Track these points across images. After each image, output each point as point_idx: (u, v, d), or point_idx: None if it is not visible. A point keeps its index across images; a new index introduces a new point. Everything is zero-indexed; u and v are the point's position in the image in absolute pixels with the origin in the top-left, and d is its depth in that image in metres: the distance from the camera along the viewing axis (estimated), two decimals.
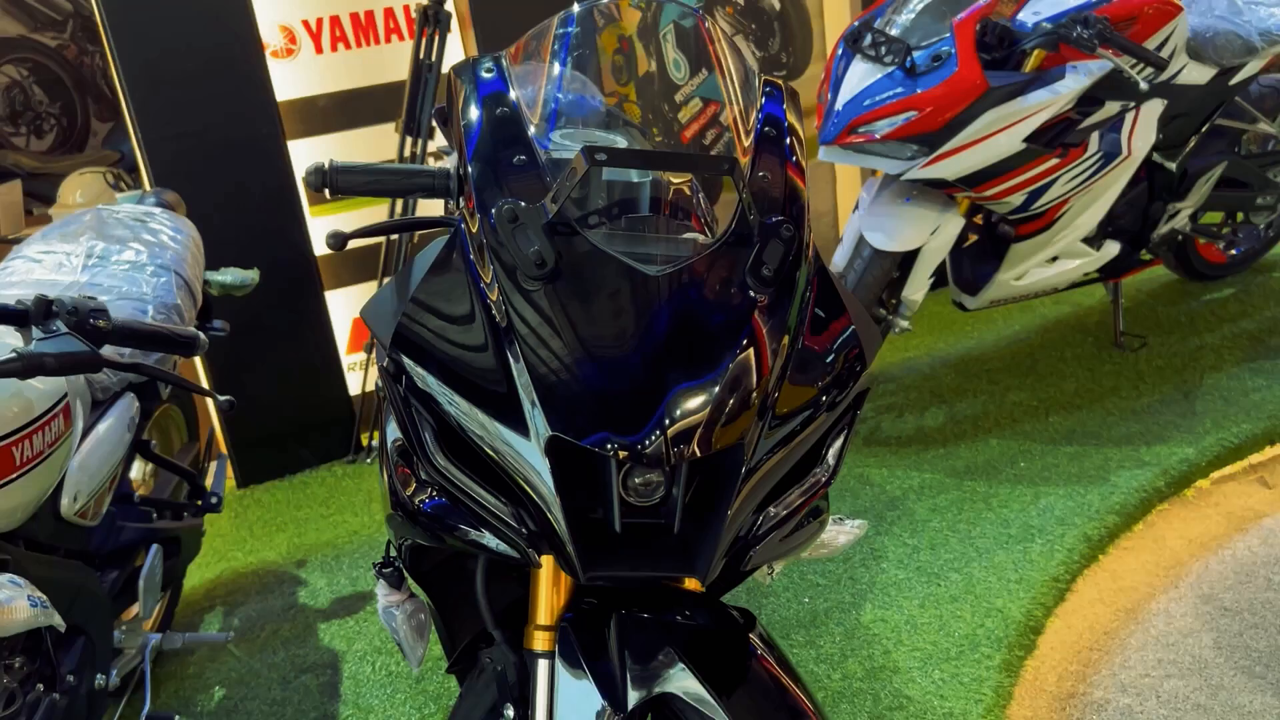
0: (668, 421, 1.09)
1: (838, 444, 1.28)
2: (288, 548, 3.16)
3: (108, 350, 1.69)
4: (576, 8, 1.50)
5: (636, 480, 1.16)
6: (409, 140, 3.41)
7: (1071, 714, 2.24)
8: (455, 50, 3.56)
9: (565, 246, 1.18)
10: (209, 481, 2.48)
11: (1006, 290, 3.38)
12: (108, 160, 6.46)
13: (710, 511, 1.17)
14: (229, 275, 2.57)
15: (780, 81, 1.47)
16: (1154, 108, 3.18)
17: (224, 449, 3.52)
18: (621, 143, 1.55)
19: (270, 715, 2.39)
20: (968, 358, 3.86)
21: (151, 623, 2.52)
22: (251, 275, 2.61)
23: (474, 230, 1.22)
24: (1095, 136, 3.06)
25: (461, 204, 1.27)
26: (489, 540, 1.20)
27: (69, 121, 6.86)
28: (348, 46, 3.45)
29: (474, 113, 1.31)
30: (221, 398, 1.65)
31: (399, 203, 3.44)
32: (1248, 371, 3.42)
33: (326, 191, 1.32)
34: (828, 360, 1.24)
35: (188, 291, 2.23)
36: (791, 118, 1.41)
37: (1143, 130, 3.16)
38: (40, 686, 1.74)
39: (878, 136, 2.91)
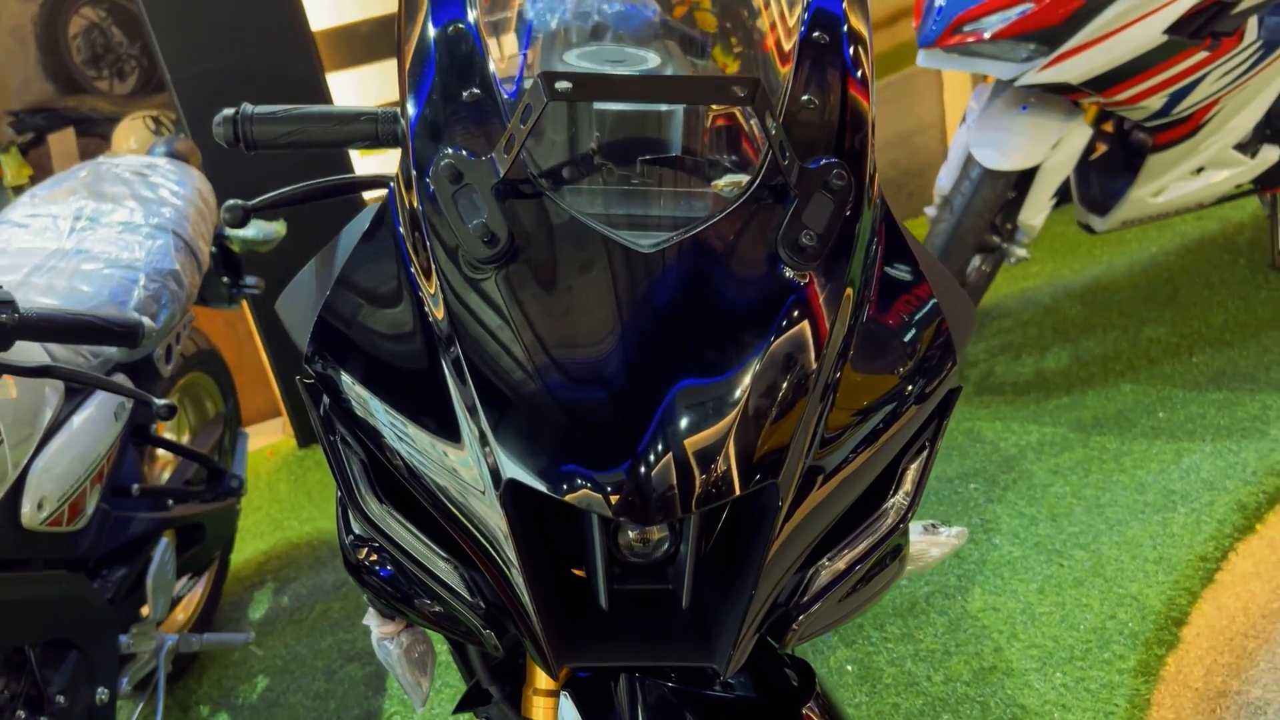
0: (671, 457, 0.76)
1: (918, 462, 0.94)
2: None
3: (23, 348, 1.44)
4: None
5: (631, 535, 0.85)
6: None
7: (1223, 717, 1.89)
8: None
9: (525, 214, 0.86)
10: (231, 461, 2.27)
11: (1142, 208, 2.95)
12: None
13: (737, 568, 0.85)
14: (251, 229, 2.33)
15: None
16: None
17: (281, 410, 3.34)
18: (654, 59, 1.20)
19: (312, 709, 2.21)
20: (1095, 286, 3.42)
21: (190, 617, 2.35)
22: (276, 228, 2.36)
23: (406, 196, 0.90)
24: (1253, 22, 2.59)
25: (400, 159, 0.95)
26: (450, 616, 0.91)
27: (149, 61, 6.75)
28: None
29: (420, 35, 0.99)
30: (160, 402, 1.40)
31: None
32: None
33: (241, 147, 1.02)
34: (900, 355, 0.89)
35: (189, 254, 1.99)
36: (853, 16, 1.04)
37: None
38: (23, 714, 1.56)
39: (987, 35, 2.52)
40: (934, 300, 0.93)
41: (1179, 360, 2.89)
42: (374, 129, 1.04)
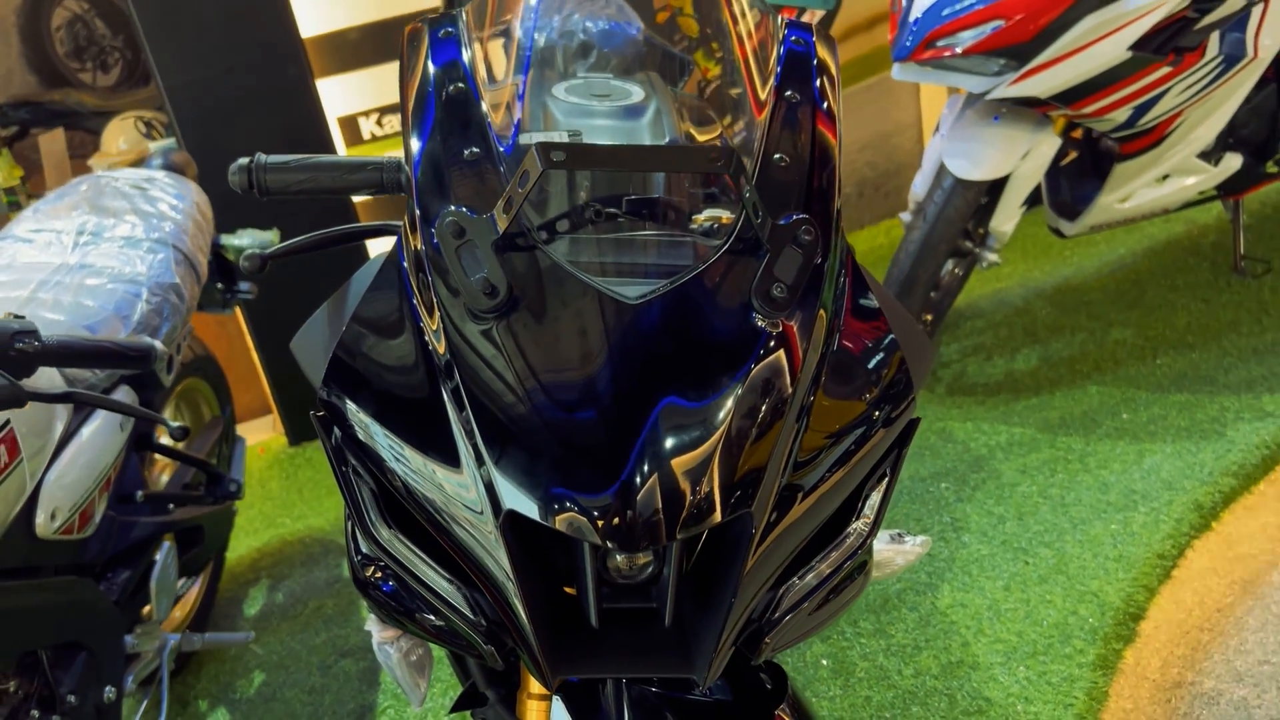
0: (655, 491, 0.84)
1: (877, 493, 1.03)
2: (336, 513, 3.04)
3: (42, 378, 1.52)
4: None
5: (619, 559, 0.93)
6: None
7: (1177, 707, 1.99)
8: None
9: (523, 265, 0.94)
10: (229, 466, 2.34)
11: (1110, 214, 3.04)
12: None
13: (714, 587, 0.94)
14: (245, 238, 2.39)
15: (814, 30, 1.18)
16: None
17: (272, 408, 3.41)
18: (638, 93, 1.28)
19: (308, 704, 2.29)
20: (1065, 287, 3.51)
21: (184, 618, 2.42)
22: (270, 237, 2.42)
23: (414, 247, 0.98)
24: (1215, 37, 2.67)
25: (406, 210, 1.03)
26: (451, 631, 0.99)
27: (133, 54, 6.75)
28: None
29: (423, 94, 1.06)
30: (174, 424, 1.47)
31: None
32: None
33: (255, 193, 1.10)
34: (862, 391, 0.98)
35: (189, 266, 2.05)
36: (822, 51, 1.13)
37: (1273, 26, 2.74)
38: (36, 713, 1.63)
39: (959, 51, 2.58)
40: (892, 337, 1.02)
41: (1143, 362, 2.99)
42: (379, 178, 1.12)
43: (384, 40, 3.26)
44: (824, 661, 2.12)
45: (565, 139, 1.09)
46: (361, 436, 0.96)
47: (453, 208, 0.95)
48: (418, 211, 0.97)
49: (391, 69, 3.28)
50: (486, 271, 0.91)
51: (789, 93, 1.08)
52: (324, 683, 2.35)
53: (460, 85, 1.06)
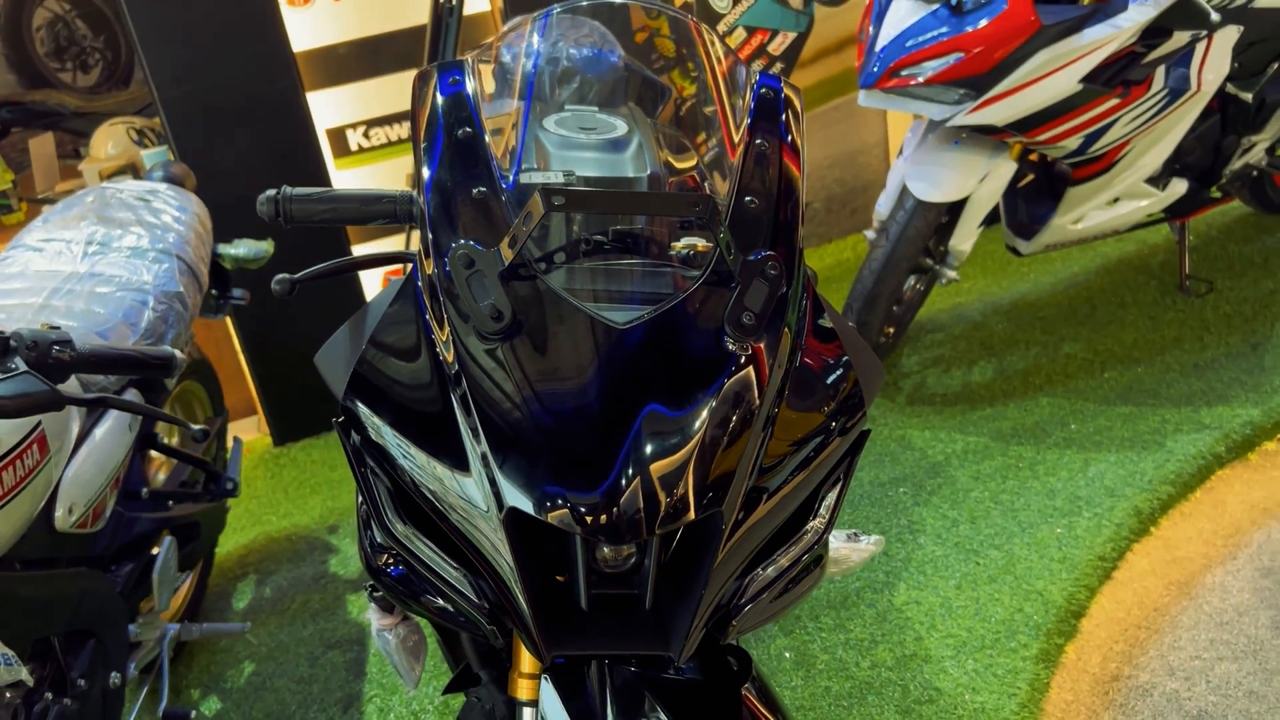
0: (638, 487, 0.98)
1: (832, 495, 1.17)
2: (321, 511, 3.15)
3: (72, 384, 1.64)
4: (556, 8, 1.36)
5: (606, 551, 1.07)
6: None
7: (1114, 699, 2.15)
8: None
9: (525, 293, 1.07)
10: (226, 465, 2.45)
11: (1063, 234, 3.20)
12: (150, 98, 6.42)
13: (689, 576, 1.07)
14: (242, 248, 2.51)
15: (781, 79, 1.32)
16: (1228, 36, 2.92)
17: (257, 410, 3.51)
18: (621, 127, 1.42)
19: (297, 693, 2.40)
20: (1021, 303, 3.67)
21: (177, 609, 2.53)
22: (265, 247, 2.54)
23: (428, 274, 1.11)
24: (1160, 71, 2.84)
25: (419, 240, 1.16)
26: (455, 611, 1.12)
27: (113, 55, 6.80)
28: None
29: (434, 135, 1.19)
30: (195, 427, 1.59)
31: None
32: None
33: (281, 221, 1.23)
34: (820, 403, 1.12)
35: (191, 276, 2.16)
36: (791, 106, 1.27)
37: (1215, 61, 2.91)
38: (49, 695, 1.74)
39: (921, 80, 2.73)
40: (847, 358, 1.16)
41: (1092, 376, 3.16)
42: (393, 209, 1.25)
43: (372, 55, 3.37)
44: (787, 654, 2.26)
45: (561, 178, 1.22)
46: (379, 440, 1.09)
47: (463, 241, 1.08)
48: (432, 245, 1.11)
49: (378, 83, 3.40)
50: (493, 298, 1.04)
51: (759, 140, 1.22)
52: (312, 673, 2.46)
53: (468, 130, 1.19)
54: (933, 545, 2.53)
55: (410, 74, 3.40)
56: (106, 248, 2.11)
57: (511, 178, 1.21)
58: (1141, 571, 2.47)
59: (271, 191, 1.22)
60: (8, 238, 3.62)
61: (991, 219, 3.12)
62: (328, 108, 3.33)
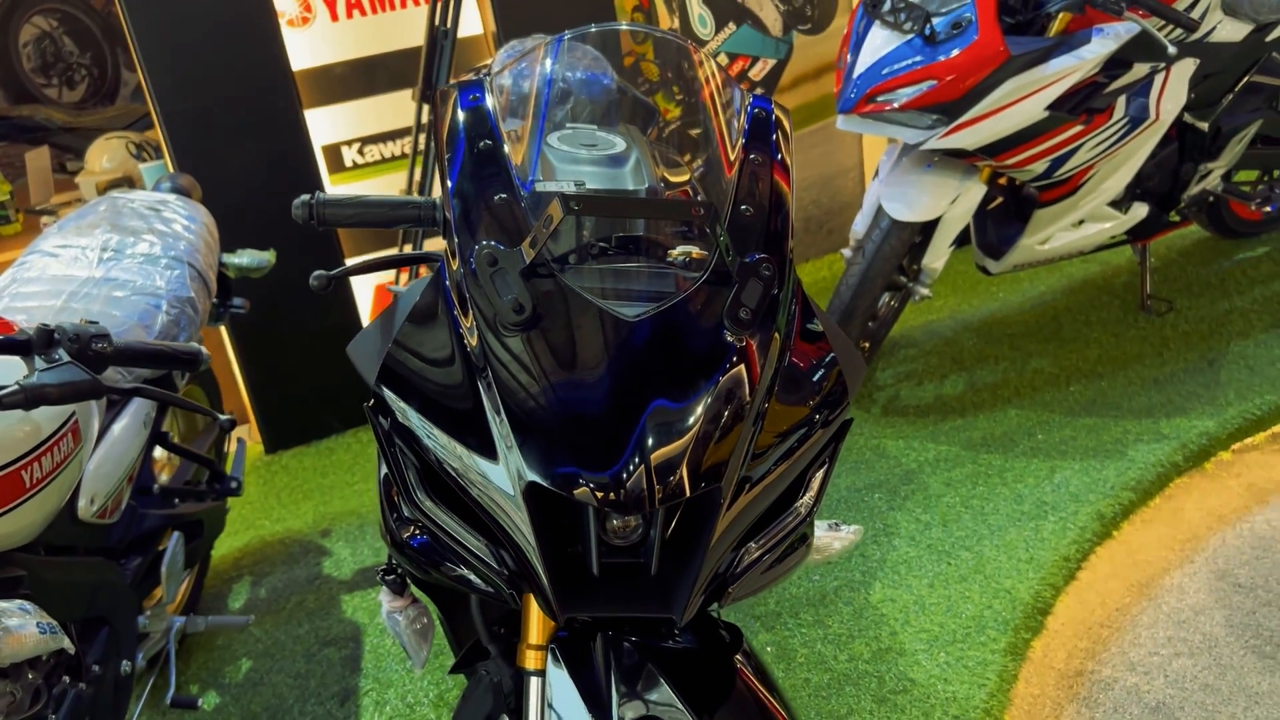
0: (645, 467, 1.09)
1: (819, 476, 1.29)
2: (313, 516, 3.23)
3: (109, 372, 1.73)
4: (568, 34, 1.48)
5: (615, 523, 1.17)
6: (426, 108, 3.40)
7: (1078, 692, 2.26)
8: (471, 15, 3.52)
9: (543, 289, 1.18)
10: (230, 465, 2.54)
11: (1031, 255, 3.34)
12: (137, 113, 6.49)
13: (690, 548, 1.18)
14: (245, 258, 2.60)
15: (772, 101, 1.44)
16: (1185, 68, 3.08)
17: (250, 418, 3.58)
18: (620, 144, 1.54)
19: (295, 688, 2.48)
20: (991, 320, 3.82)
21: (177, 604, 2.60)
22: (267, 257, 2.64)
23: (454, 272, 1.22)
24: (1122, 100, 2.98)
25: (444, 241, 1.27)
26: (473, 578, 1.22)
27: (99, 72, 6.87)
28: (363, 13, 3.42)
29: (456, 146, 1.31)
30: (223, 416, 1.69)
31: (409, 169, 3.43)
32: (1276, 338, 3.36)
33: (314, 224, 1.33)
34: (808, 394, 1.24)
35: (201, 282, 2.26)
36: (781, 127, 1.39)
37: (1173, 92, 3.06)
38: (66, 679, 1.82)
39: (896, 106, 2.86)
40: (833, 354, 1.28)
41: (1058, 389, 3.30)
42: (417, 214, 1.36)
43: (367, 75, 3.48)
44: (768, 649, 2.37)
45: (573, 188, 1.34)
46: (406, 423, 1.20)
47: (486, 241, 1.19)
48: (458, 245, 1.22)
49: (373, 102, 3.51)
50: (515, 293, 1.15)
51: (753, 155, 1.34)
52: (309, 669, 2.54)
53: (489, 142, 1.30)
54: (906, 547, 2.65)
55: (404, 94, 3.52)
56: (120, 254, 2.20)
57: (527, 185, 1.32)
58: (1104, 574, 2.59)
59: (305, 196, 1.33)
60: (5, 248, 3.71)
61: (962, 240, 3.25)
62: (324, 125, 3.44)
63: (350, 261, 1.33)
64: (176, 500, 2.28)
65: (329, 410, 3.67)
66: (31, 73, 6.70)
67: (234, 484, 2.44)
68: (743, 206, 1.28)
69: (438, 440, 1.18)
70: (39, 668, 1.77)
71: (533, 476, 1.10)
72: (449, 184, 1.27)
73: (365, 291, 3.65)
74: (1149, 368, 3.32)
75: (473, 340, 1.17)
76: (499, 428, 1.13)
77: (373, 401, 1.23)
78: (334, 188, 3.50)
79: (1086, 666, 2.33)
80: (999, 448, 3.02)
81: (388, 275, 3.67)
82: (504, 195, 1.25)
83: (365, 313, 3.67)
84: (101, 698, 1.87)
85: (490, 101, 1.36)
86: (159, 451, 2.50)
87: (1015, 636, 2.33)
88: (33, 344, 1.39)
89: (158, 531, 2.16)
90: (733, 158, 1.38)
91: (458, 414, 1.17)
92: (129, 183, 3.84)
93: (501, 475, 1.13)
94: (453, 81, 1.44)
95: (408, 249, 3.51)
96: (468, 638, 1.64)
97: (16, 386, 1.34)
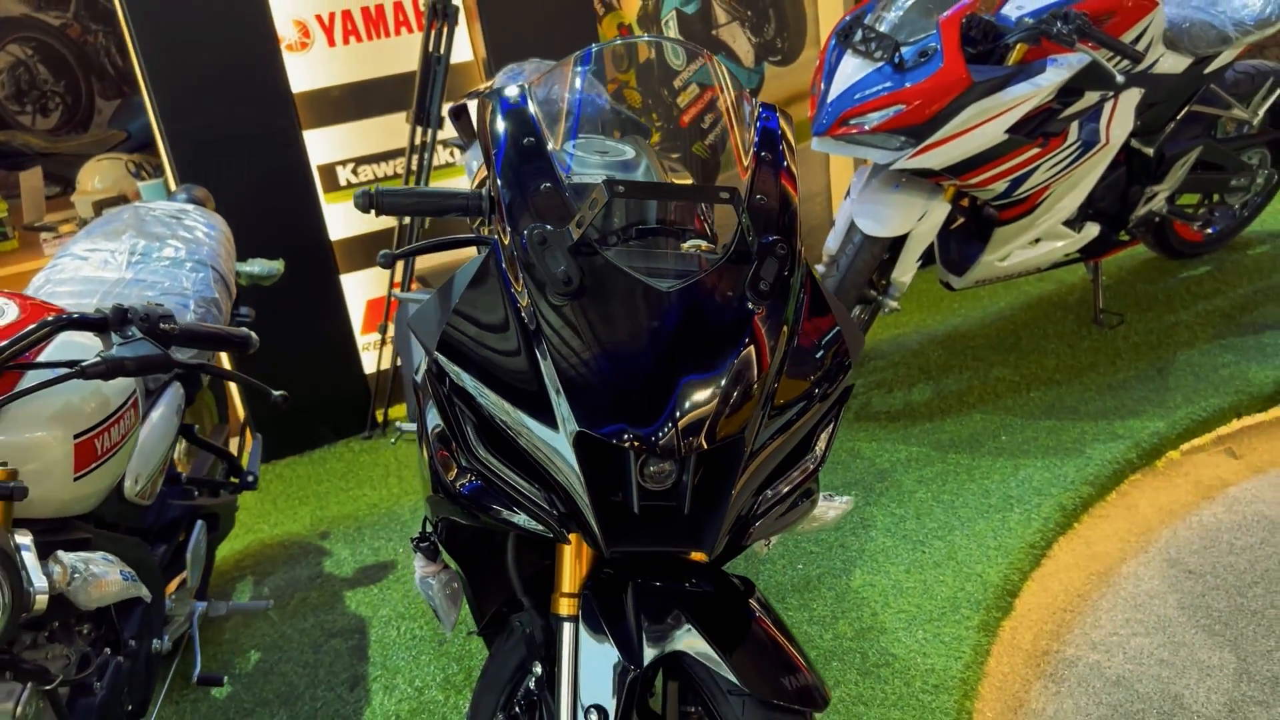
0: (679, 416, 1.26)
1: (827, 433, 1.46)
2: (310, 520, 3.34)
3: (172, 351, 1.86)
4: (594, 47, 1.66)
5: (652, 468, 1.33)
6: (419, 130, 3.56)
7: (1045, 669, 2.43)
8: (463, 42, 3.70)
9: (588, 264, 1.34)
10: (245, 460, 2.65)
11: (991, 271, 3.53)
12: (114, 140, 6.57)
13: (716, 494, 1.34)
14: (257, 266, 2.73)
15: (776, 106, 1.63)
16: (1131, 96, 3.32)
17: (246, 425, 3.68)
18: (630, 152, 1.71)
19: (304, 676, 2.58)
20: (954, 334, 4.03)
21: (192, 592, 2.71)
22: (277, 265, 2.77)
23: (508, 250, 1.38)
24: (1075, 125, 3.21)
25: (495, 225, 1.43)
26: (521, 519, 1.37)
27: (74, 100, 6.94)
28: (359, 39, 3.58)
29: (504, 142, 1.47)
30: (276, 393, 1.83)
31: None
32: (1218, 348, 3.59)
33: (373, 212, 1.49)
34: (817, 359, 1.41)
35: (223, 285, 2.39)
36: (786, 139, 1.57)
37: (1121, 118, 3.30)
38: (108, 650, 1.92)
39: (867, 128, 3.05)
40: (838, 329, 1.46)
41: (1019, 395, 3.51)
42: (465, 204, 1.52)
43: (362, 98, 3.64)
44: None
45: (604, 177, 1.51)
46: (462, 385, 1.35)
47: (536, 224, 1.36)
48: (510, 228, 1.38)
49: (367, 124, 3.66)
50: (564, 267, 1.32)
51: (764, 154, 1.52)
52: (317, 659, 2.64)
53: (532, 139, 1.47)
54: (883, 538, 2.83)
55: (397, 116, 3.67)
56: (148, 258, 2.33)
57: (565, 176, 1.50)
58: (1065, 564, 2.78)
59: (368, 187, 1.48)
60: (3, 264, 3.79)
61: (927, 259, 3.43)
62: (320, 145, 3.58)
63: (412, 245, 1.48)
64: (197, 492, 2.39)
65: (322, 421, 3.78)
66: (5, 100, 6.76)
67: (250, 478, 2.56)
68: (758, 196, 1.45)
69: (490, 399, 1.33)
70: (84, 638, 1.88)
71: (582, 427, 1.26)
72: (498, 175, 1.44)
73: (359, 303, 3.78)
74: (1103, 375, 3.54)
75: (526, 303, 1.33)
76: (551, 384, 1.29)
77: (432, 365, 1.39)
78: (329, 206, 3.63)
79: (1052, 646, 2.51)
80: (966, 448, 3.21)
81: (381, 289, 3.80)
82: (549, 184, 1.42)
83: (358, 325, 3.80)
84: (136, 671, 1.98)
85: (533, 107, 1.53)
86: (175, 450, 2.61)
87: (987, 615, 2.50)
88: (109, 321, 1.52)
89: (180, 520, 2.27)
90: (746, 161, 1.56)
91: (512, 374, 1.33)
92: (124, 201, 3.95)
93: (554, 426, 1.29)
94: (488, 90, 1.61)
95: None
96: (491, 603, 1.77)
97: (99, 358, 1.47)
